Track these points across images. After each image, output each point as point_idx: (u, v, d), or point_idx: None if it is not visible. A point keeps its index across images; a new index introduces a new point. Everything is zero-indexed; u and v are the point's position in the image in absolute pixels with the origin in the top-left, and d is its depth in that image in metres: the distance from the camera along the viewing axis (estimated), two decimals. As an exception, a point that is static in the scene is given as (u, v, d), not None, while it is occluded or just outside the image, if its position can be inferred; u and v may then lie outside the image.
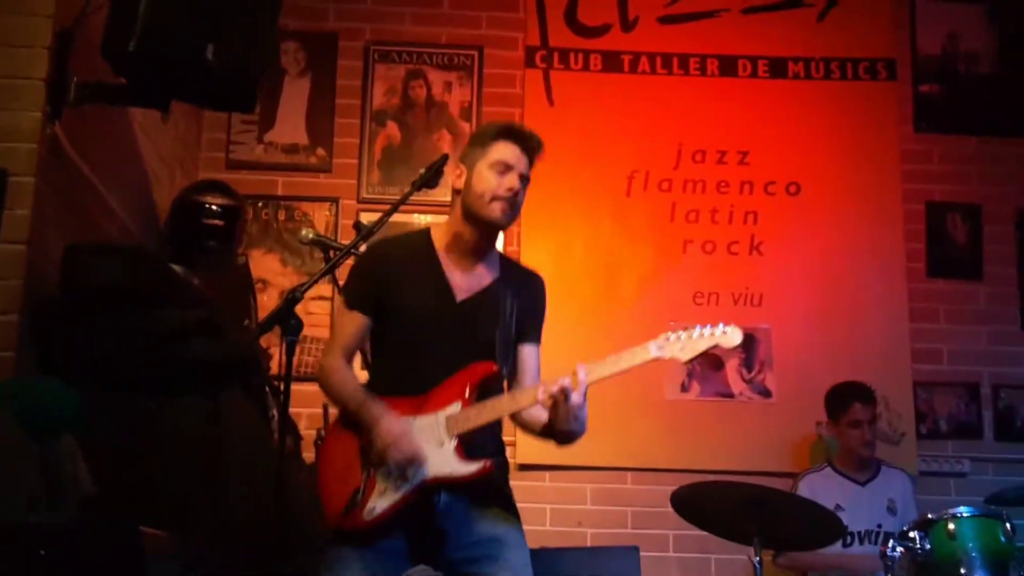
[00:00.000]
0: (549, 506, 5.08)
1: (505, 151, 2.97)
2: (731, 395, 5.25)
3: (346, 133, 5.43)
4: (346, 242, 3.43)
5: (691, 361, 2.91)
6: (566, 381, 2.78)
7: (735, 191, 5.44)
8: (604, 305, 5.19)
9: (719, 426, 5.18)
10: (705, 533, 3.99)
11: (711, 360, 5.25)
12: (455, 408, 2.84)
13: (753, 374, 5.26)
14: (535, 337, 3.09)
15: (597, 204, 5.39)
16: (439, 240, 3.00)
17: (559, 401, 2.79)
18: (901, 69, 5.61)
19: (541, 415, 2.94)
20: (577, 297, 5.14)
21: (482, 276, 3.01)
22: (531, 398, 2.85)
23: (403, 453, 2.76)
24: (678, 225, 5.40)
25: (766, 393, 5.25)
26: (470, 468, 2.81)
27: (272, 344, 4.20)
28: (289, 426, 3.39)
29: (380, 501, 2.78)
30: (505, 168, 2.95)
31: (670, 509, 3.80)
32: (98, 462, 2.96)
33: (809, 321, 5.30)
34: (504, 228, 3.01)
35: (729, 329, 2.85)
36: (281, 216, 5.29)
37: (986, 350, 5.39)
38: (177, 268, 3.95)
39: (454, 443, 2.82)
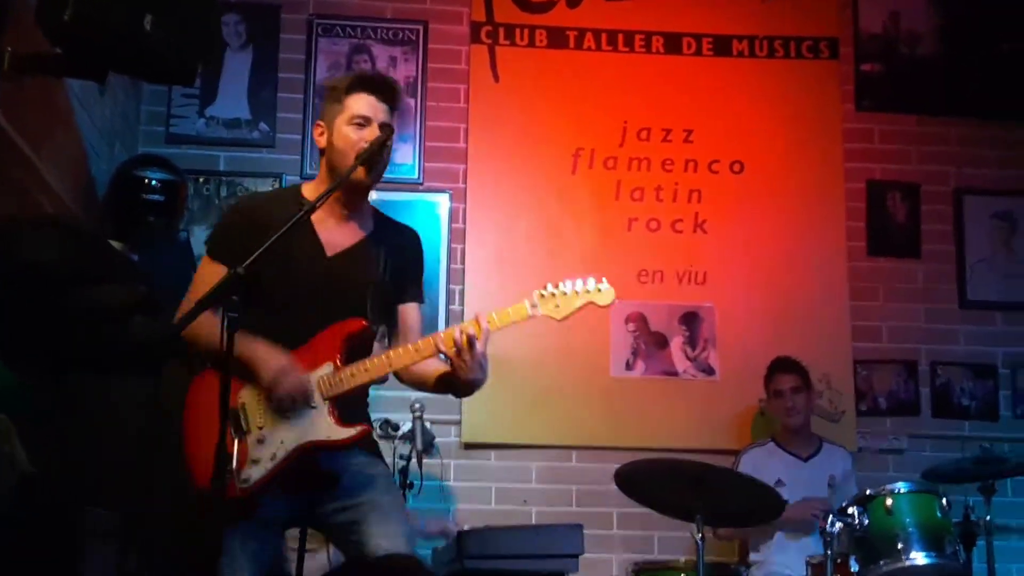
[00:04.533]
0: (494, 485, 5.10)
1: (360, 104, 2.93)
2: (675, 373, 5.29)
3: (289, 108, 5.35)
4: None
5: (565, 319, 2.84)
6: (471, 329, 2.74)
7: (680, 169, 5.46)
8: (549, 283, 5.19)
9: (663, 404, 5.22)
10: (648, 510, 4.03)
11: (655, 338, 5.28)
12: (327, 369, 2.79)
13: (697, 352, 5.30)
14: (415, 295, 3.06)
15: (542, 182, 5.39)
16: (310, 197, 2.93)
17: (463, 349, 2.74)
18: (843, 48, 5.66)
19: (430, 369, 2.90)
20: (522, 275, 5.13)
21: (354, 232, 2.98)
22: (415, 353, 2.80)
23: (290, 387, 2.72)
24: (623, 203, 5.41)
25: (710, 371, 5.29)
26: (347, 432, 2.77)
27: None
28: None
29: (254, 470, 2.72)
30: (364, 122, 2.91)
31: (614, 487, 3.83)
32: (36, 442, 2.91)
33: (752, 299, 5.35)
34: (372, 184, 2.95)
35: (603, 287, 2.83)
36: (223, 192, 5.21)
37: (924, 328, 5.47)
38: (116, 244, 3.90)
39: (327, 406, 2.77)
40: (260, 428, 2.77)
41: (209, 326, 2.74)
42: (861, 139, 5.60)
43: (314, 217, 2.89)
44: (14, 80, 3.44)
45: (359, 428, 2.78)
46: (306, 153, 5.29)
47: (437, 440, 4.71)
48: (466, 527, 4.31)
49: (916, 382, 5.41)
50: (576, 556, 4.15)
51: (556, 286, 2.83)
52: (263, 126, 5.33)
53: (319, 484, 2.82)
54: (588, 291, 2.82)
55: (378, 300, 2.92)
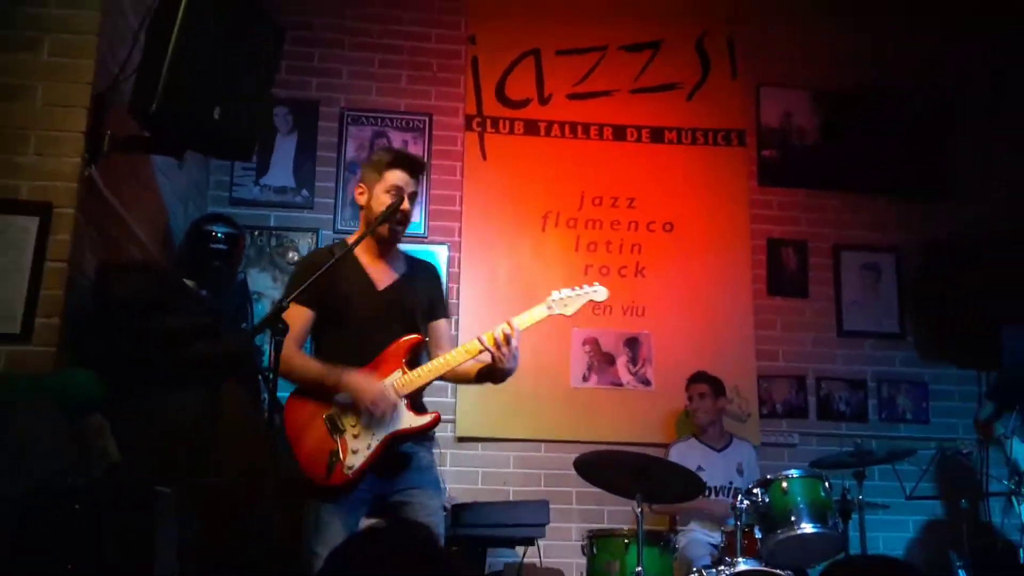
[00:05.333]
0: (480, 470, 5.07)
1: (397, 178, 2.98)
2: (621, 384, 5.29)
3: (325, 179, 5.37)
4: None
5: (574, 314, 2.95)
6: (507, 329, 2.80)
7: (624, 228, 5.49)
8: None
9: (611, 408, 5.22)
10: (600, 490, 4.01)
11: (606, 357, 5.29)
12: (398, 375, 2.83)
13: (637, 368, 5.31)
14: (443, 312, 3.11)
15: (519, 237, 5.40)
16: (356, 247, 2.99)
17: (502, 344, 2.79)
18: (749, 138, 5.71)
19: (470, 367, 2.95)
20: (504, 309, 5.04)
21: (393, 270, 3.05)
22: (466, 353, 2.85)
23: (387, 403, 2.76)
24: (581, 254, 5.43)
25: (647, 383, 5.30)
26: (424, 419, 2.83)
27: (264, 343, 4.15)
28: (277, 408, 3.33)
29: (355, 459, 2.76)
30: (398, 192, 2.96)
31: (573, 472, 3.82)
32: (122, 437, 2.90)
33: (680, 328, 5.37)
34: (392, 236, 3.01)
35: (599, 288, 2.97)
36: (273, 243, 5.23)
37: (811, 351, 5.49)
38: (189, 283, 3.89)
39: (405, 402, 2.82)
40: (353, 426, 2.81)
41: (302, 360, 2.88)
42: (763, 207, 5.65)
43: (363, 261, 3.00)
44: (112, 157, 3.46)
45: (433, 415, 2.84)
46: (337, 214, 5.31)
47: (436, 434, 4.68)
48: (458, 502, 4.30)
49: (805, 392, 5.43)
50: (543, 525, 4.14)
51: (561, 291, 2.94)
52: (305, 192, 5.34)
53: (397, 464, 2.86)
54: (587, 292, 2.91)
55: (422, 319, 2.99)
